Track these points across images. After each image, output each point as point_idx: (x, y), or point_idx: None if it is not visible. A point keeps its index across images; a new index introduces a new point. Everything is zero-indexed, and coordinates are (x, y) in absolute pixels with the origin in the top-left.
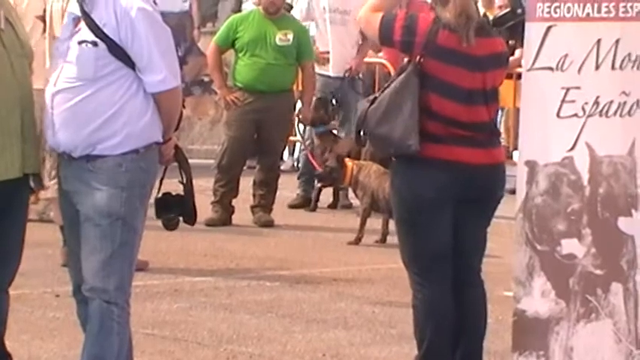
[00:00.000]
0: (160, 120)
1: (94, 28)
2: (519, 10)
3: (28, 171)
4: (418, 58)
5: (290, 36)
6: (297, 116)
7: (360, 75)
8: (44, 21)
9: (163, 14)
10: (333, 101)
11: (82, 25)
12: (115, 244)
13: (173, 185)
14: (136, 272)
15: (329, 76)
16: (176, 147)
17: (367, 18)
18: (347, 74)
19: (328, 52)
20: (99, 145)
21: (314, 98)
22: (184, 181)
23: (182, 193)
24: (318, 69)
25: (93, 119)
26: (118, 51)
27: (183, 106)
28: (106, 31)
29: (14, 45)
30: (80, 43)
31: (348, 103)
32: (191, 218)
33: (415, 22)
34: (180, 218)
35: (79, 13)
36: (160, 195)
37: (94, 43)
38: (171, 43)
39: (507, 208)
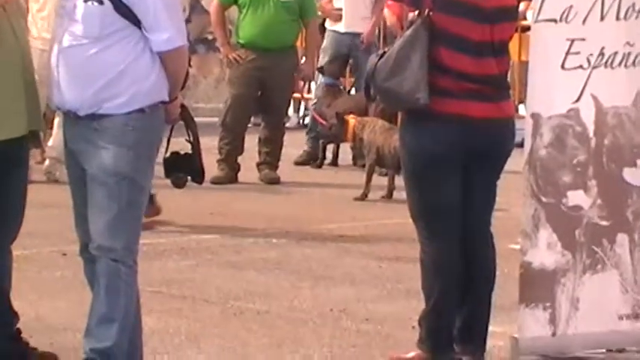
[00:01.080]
0: (166, 79)
1: None
2: None
3: (33, 128)
4: (427, 11)
5: None
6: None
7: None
8: None
9: None
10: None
11: None
12: (121, 202)
13: (180, 144)
14: (143, 231)
15: (340, 33)
16: (182, 106)
17: None
18: (361, 42)
19: (341, 9)
20: (105, 104)
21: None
22: (191, 140)
23: (189, 151)
24: (331, 25)
25: (99, 78)
26: (123, 9)
27: (190, 65)
28: None
29: (11, 5)
30: (86, 1)
31: (361, 64)
32: (199, 176)
33: None
34: (189, 177)
35: None
36: (168, 154)
37: (100, 1)
38: (177, 1)
39: (515, 161)
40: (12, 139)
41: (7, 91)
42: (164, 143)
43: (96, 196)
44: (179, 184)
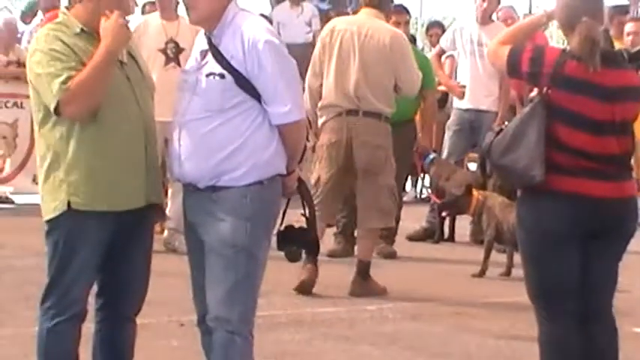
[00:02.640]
0: (284, 152)
1: (221, 60)
2: None
3: (152, 200)
4: (545, 88)
5: (417, 70)
6: (417, 148)
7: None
8: (166, 54)
9: (288, 45)
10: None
11: (210, 57)
12: (238, 274)
13: (296, 217)
14: (259, 299)
15: (463, 109)
16: (299, 179)
17: (496, 50)
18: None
19: (465, 86)
20: (224, 177)
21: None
22: (307, 214)
23: (304, 225)
24: (456, 102)
25: (219, 150)
26: (244, 83)
27: (307, 139)
28: (233, 63)
29: (137, 78)
30: (208, 75)
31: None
32: (313, 250)
33: (542, 54)
34: (303, 250)
35: (206, 46)
36: (282, 228)
37: (222, 75)
38: (297, 75)
39: (638, 241)
40: (136, 211)
41: (127, 162)
42: (280, 215)
43: (213, 267)
44: (293, 258)
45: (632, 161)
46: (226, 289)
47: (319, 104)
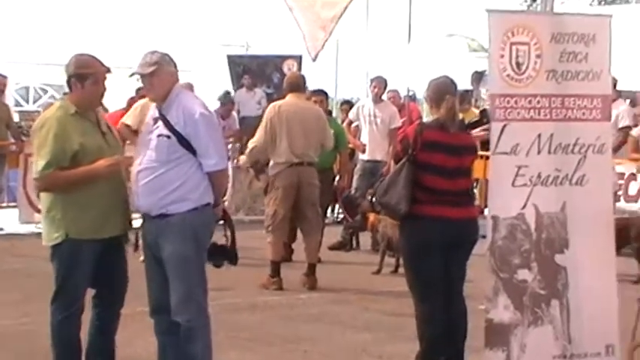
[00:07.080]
0: (212, 189)
1: (168, 125)
2: (485, 120)
3: (123, 230)
4: (411, 151)
5: (331, 132)
6: (336, 186)
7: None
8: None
9: (244, 117)
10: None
11: (160, 123)
12: (190, 280)
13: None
14: (225, 292)
15: (365, 160)
16: (223, 210)
17: (397, 148)
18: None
19: (365, 144)
20: (169, 207)
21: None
22: (229, 234)
23: (225, 243)
24: (360, 155)
25: (165, 189)
26: (184, 142)
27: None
28: (176, 128)
29: (113, 143)
30: (158, 136)
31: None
32: (233, 262)
33: (407, 135)
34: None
35: (157, 115)
36: (209, 245)
37: (168, 136)
38: (221, 136)
39: (480, 247)
40: (113, 238)
41: (116, 205)
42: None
43: (170, 276)
44: (218, 266)
45: (476, 192)
46: (182, 294)
47: (274, 161)
